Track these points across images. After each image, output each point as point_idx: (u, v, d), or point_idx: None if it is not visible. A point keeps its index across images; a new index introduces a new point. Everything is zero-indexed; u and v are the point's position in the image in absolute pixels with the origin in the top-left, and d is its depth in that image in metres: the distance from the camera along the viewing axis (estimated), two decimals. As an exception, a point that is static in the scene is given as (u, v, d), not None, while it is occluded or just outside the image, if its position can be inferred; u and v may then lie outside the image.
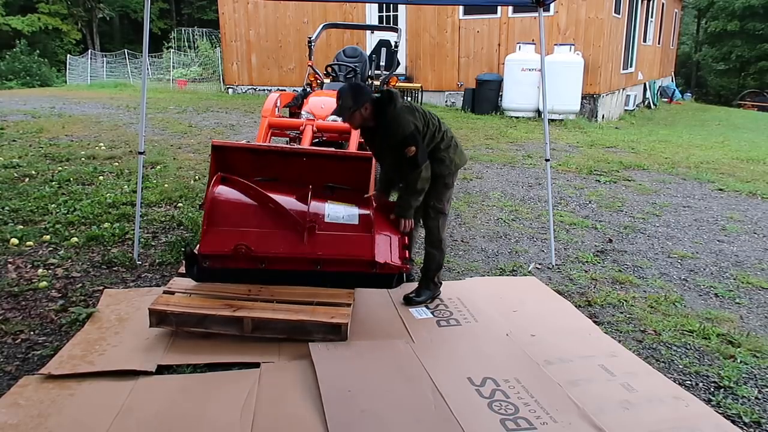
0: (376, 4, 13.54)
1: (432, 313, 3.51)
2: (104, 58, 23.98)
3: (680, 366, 3.04)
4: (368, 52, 7.33)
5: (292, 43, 15.11)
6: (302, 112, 5.64)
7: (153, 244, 4.56)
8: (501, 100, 12.53)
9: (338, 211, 3.38)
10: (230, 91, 16.46)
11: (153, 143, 8.42)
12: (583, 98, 12.14)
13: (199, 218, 5.08)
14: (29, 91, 18.72)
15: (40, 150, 7.76)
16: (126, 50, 23.44)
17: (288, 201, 3.37)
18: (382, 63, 6.89)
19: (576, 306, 3.71)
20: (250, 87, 16.15)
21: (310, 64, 6.74)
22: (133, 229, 4.40)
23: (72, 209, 5.24)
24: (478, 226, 5.27)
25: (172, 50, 22.67)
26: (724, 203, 6.35)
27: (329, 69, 6.74)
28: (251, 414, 2.49)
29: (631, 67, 14.99)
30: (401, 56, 12.88)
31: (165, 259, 4.22)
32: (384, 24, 13.39)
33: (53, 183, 6.08)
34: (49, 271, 3.98)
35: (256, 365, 2.86)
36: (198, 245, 3.29)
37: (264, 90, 15.55)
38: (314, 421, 2.46)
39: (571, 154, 8.69)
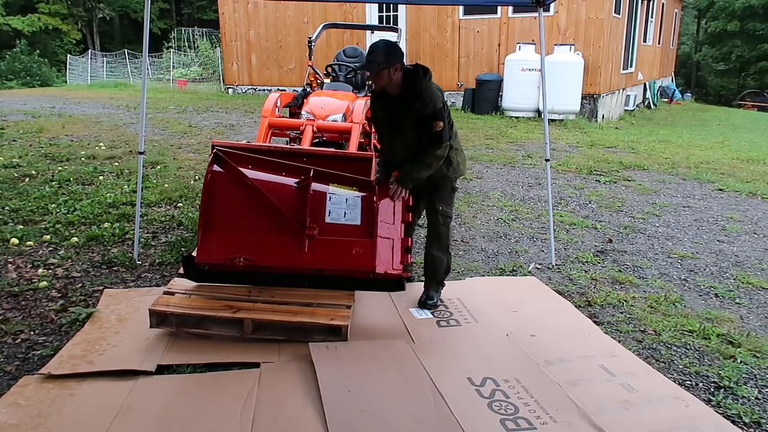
0: (376, 4, 13.54)
1: (432, 313, 3.51)
2: (104, 58, 23.99)
3: (680, 366, 3.04)
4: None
5: (292, 43, 15.11)
6: (302, 112, 5.64)
7: (153, 244, 4.56)
8: (501, 100, 12.53)
9: (340, 205, 3.25)
10: (230, 91, 16.46)
11: (153, 143, 8.42)
12: (583, 98, 12.14)
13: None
14: (29, 91, 18.72)
15: (40, 150, 7.77)
16: (126, 50, 23.45)
17: (287, 194, 3.25)
18: (383, 63, 6.87)
19: (576, 306, 3.71)
20: (250, 87, 16.15)
21: (310, 64, 6.74)
22: (133, 229, 4.40)
23: (72, 209, 5.24)
24: (478, 226, 5.27)
25: (172, 50, 22.68)
26: (724, 203, 6.35)
27: (329, 69, 6.74)
28: (251, 414, 2.49)
29: (631, 67, 14.99)
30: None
31: (165, 259, 4.22)
32: (384, 24, 13.38)
33: (53, 183, 6.09)
34: (49, 271, 3.98)
35: (256, 365, 2.86)
36: (196, 249, 3.26)
37: (264, 90, 15.55)
38: (314, 421, 2.45)
39: (571, 154, 8.69)
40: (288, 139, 5.66)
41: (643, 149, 9.44)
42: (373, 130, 6.11)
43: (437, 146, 3.19)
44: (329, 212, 3.24)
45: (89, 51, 25.15)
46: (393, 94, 3.25)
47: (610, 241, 5.01)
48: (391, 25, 13.01)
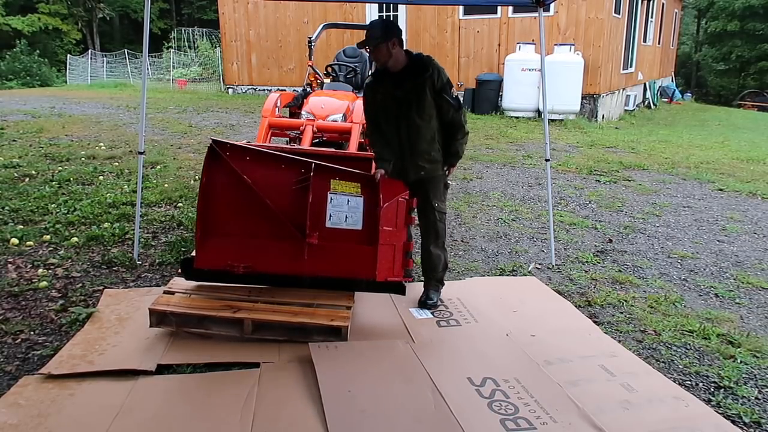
0: (376, 4, 13.53)
1: (432, 313, 3.51)
2: (104, 58, 24.00)
3: (680, 366, 3.04)
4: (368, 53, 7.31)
5: (292, 43, 15.11)
6: (302, 112, 5.64)
7: (153, 244, 4.56)
8: (501, 100, 12.53)
9: (341, 208, 3.18)
10: (230, 91, 16.46)
11: (153, 143, 8.42)
12: (583, 98, 12.14)
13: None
14: (29, 91, 18.72)
15: (40, 150, 7.77)
16: (126, 50, 23.46)
17: (287, 194, 3.18)
18: (383, 63, 6.87)
19: (576, 306, 3.71)
20: (250, 87, 16.15)
21: (310, 64, 6.74)
22: (133, 229, 4.40)
23: (72, 209, 5.24)
24: (478, 226, 5.27)
25: (172, 50, 22.69)
26: (724, 203, 6.35)
27: (329, 69, 6.74)
28: (251, 414, 2.49)
29: (631, 67, 14.99)
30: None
31: (165, 259, 4.22)
32: (384, 24, 13.36)
33: (53, 183, 6.09)
34: (49, 271, 3.98)
35: (256, 365, 2.86)
36: (195, 252, 3.23)
37: (264, 90, 15.55)
38: (314, 421, 2.45)
39: (571, 154, 8.69)
40: (288, 139, 5.66)
41: (643, 149, 9.44)
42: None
43: (457, 111, 3.26)
44: (330, 216, 3.17)
45: (89, 51, 25.15)
46: (395, 70, 3.23)
47: (610, 241, 5.01)
48: (391, 25, 12.98)
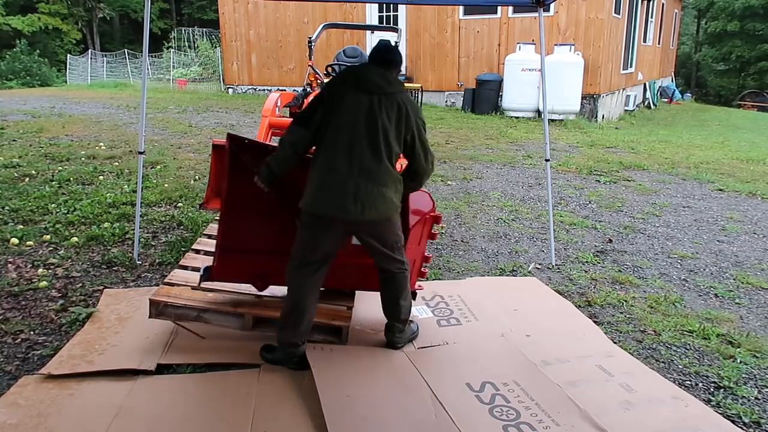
0: (376, 4, 13.54)
1: (433, 312, 3.51)
2: (104, 58, 23.99)
3: (680, 366, 3.04)
4: (368, 52, 7.33)
5: (292, 43, 15.11)
6: (302, 112, 5.64)
7: (153, 244, 4.56)
8: (501, 100, 12.53)
9: None
10: (230, 91, 16.46)
11: (153, 143, 8.42)
12: (583, 98, 12.14)
13: (199, 218, 5.08)
14: (29, 90, 18.72)
15: (40, 150, 7.76)
16: (126, 50, 23.45)
17: None
18: (383, 63, 6.88)
19: (576, 306, 3.71)
20: (250, 87, 16.15)
21: (310, 64, 6.74)
22: (133, 229, 4.40)
23: (72, 209, 5.24)
24: (478, 226, 5.27)
25: (172, 50, 22.68)
26: (724, 203, 6.35)
27: (329, 69, 6.74)
28: (251, 414, 2.49)
29: (631, 67, 14.99)
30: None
31: (165, 259, 4.22)
32: (384, 24, 13.38)
33: (53, 183, 6.08)
34: (49, 271, 3.97)
35: (256, 365, 2.86)
36: (214, 263, 3.05)
37: (264, 90, 15.55)
38: (314, 421, 2.45)
39: (571, 154, 8.69)
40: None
41: (643, 149, 9.44)
42: None
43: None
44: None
45: (89, 51, 25.14)
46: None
47: (610, 241, 5.01)
48: (391, 25, 13.01)
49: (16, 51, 23.98)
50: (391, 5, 13.51)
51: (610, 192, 6.66)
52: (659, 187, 6.97)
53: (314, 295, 2.80)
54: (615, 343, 3.24)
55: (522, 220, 5.48)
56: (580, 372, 2.88)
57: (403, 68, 13.67)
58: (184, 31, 24.36)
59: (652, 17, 16.56)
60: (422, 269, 3.42)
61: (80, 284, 3.80)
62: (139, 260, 4.20)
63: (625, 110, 14.55)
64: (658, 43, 18.17)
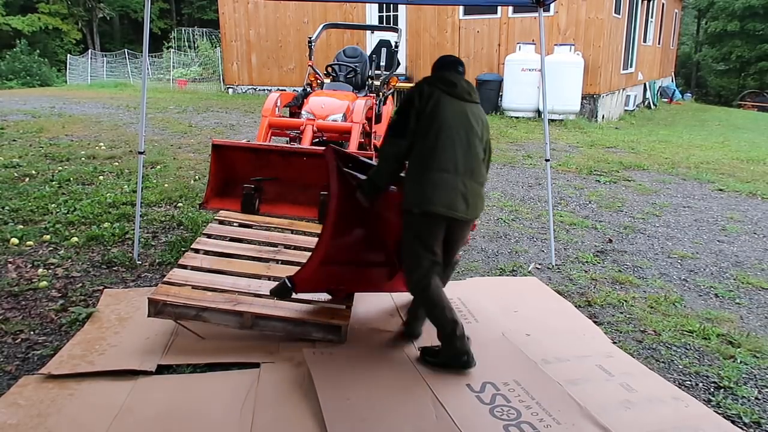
0: (376, 4, 13.54)
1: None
2: (104, 58, 24.00)
3: (680, 366, 3.04)
4: (368, 52, 7.34)
5: (292, 43, 15.11)
6: (302, 112, 5.65)
7: (153, 244, 4.56)
8: (501, 100, 12.53)
9: None
10: (230, 91, 16.46)
11: (153, 143, 8.42)
12: (583, 98, 12.14)
13: (199, 218, 5.08)
14: (29, 90, 18.72)
15: (40, 150, 7.76)
16: (126, 50, 23.46)
17: (390, 220, 3.02)
18: (383, 63, 6.90)
19: (576, 306, 3.71)
20: (250, 87, 16.15)
21: (310, 64, 6.74)
22: (133, 229, 4.40)
23: (72, 209, 5.24)
24: (478, 226, 5.27)
25: (172, 50, 22.69)
26: (724, 203, 6.35)
27: (329, 69, 6.75)
28: (251, 414, 2.49)
29: (631, 67, 14.98)
30: (401, 56, 12.87)
31: (165, 259, 4.22)
32: (384, 24, 13.39)
33: (53, 183, 6.08)
34: (49, 271, 3.97)
35: (256, 365, 2.86)
36: (298, 274, 2.95)
37: (264, 90, 15.55)
38: (314, 421, 2.45)
39: (571, 154, 8.69)
40: (288, 138, 5.66)
41: (643, 149, 9.44)
42: (373, 129, 6.14)
43: (385, 137, 2.85)
44: None
45: (89, 51, 25.15)
46: None
47: (610, 241, 5.01)
48: (391, 25, 13.02)
49: (16, 51, 23.98)
50: (391, 5, 13.50)
51: (610, 192, 6.66)
52: (659, 187, 6.97)
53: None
54: (615, 343, 3.24)
55: (522, 220, 5.48)
56: (580, 371, 2.88)
57: (402, 68, 13.69)
58: (184, 31, 24.36)
59: (652, 17, 16.56)
60: None
61: (80, 284, 3.80)
62: (139, 260, 4.20)
63: (625, 110, 14.55)
64: (658, 43, 18.17)
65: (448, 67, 2.93)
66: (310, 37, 6.77)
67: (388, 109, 6.70)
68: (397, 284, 3.26)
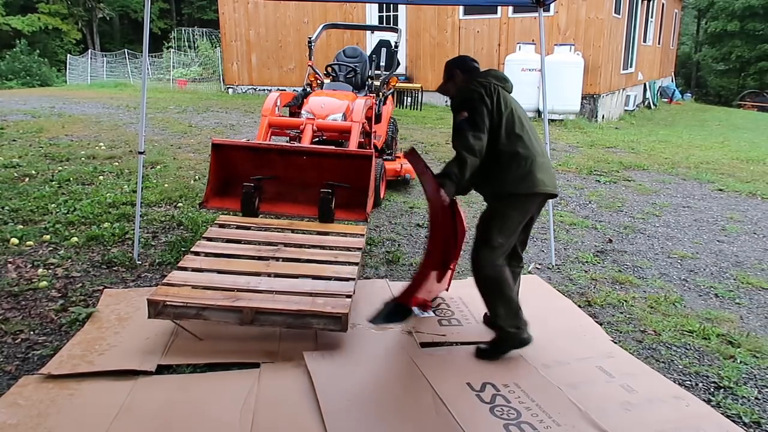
0: (376, 4, 13.54)
1: (434, 311, 3.51)
2: (104, 58, 24.00)
3: (680, 366, 3.04)
4: (368, 52, 7.33)
5: (292, 43, 15.11)
6: (302, 112, 5.65)
7: (153, 244, 4.56)
8: (501, 100, 12.51)
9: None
10: (230, 91, 16.46)
11: (153, 143, 8.42)
12: (583, 98, 12.14)
13: (199, 218, 5.08)
14: (29, 90, 18.72)
15: (40, 150, 7.76)
16: (126, 50, 23.46)
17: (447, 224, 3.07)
18: (382, 63, 6.90)
19: (576, 306, 3.70)
20: (250, 87, 16.15)
21: (310, 64, 6.74)
22: (133, 229, 4.40)
23: (72, 209, 5.24)
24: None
25: (172, 50, 22.70)
26: (724, 203, 6.35)
27: (329, 69, 6.74)
28: (251, 414, 2.49)
29: (631, 67, 14.98)
30: (401, 56, 12.88)
31: (165, 259, 4.22)
32: (384, 24, 13.39)
33: (53, 183, 6.08)
34: (49, 271, 3.97)
35: (256, 365, 2.86)
36: (407, 292, 2.88)
37: (264, 90, 15.55)
38: (314, 421, 2.45)
39: (571, 154, 8.69)
40: (288, 138, 5.66)
41: (643, 149, 9.44)
42: (373, 129, 6.14)
43: (454, 138, 2.85)
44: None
45: (89, 51, 25.15)
46: None
47: (610, 241, 5.00)
48: (391, 25, 13.01)
49: (16, 51, 23.98)
50: (391, 5, 13.50)
51: (610, 192, 6.66)
52: (659, 187, 6.97)
53: None
54: (615, 343, 3.24)
55: (522, 220, 5.47)
56: (580, 374, 2.88)
57: (402, 68, 13.69)
58: (184, 31, 24.37)
59: (652, 17, 16.56)
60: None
61: (80, 284, 3.80)
62: (139, 260, 4.20)
63: (625, 110, 14.55)
64: (658, 43, 18.17)
65: (472, 67, 3.10)
66: (310, 37, 6.77)
67: (388, 109, 6.70)
68: (443, 285, 3.52)
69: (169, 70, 21.07)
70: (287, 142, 5.56)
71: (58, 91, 17.78)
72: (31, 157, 7.31)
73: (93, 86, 19.90)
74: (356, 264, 3.59)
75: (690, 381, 2.91)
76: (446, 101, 13.67)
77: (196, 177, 6.59)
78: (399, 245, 4.70)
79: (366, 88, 6.58)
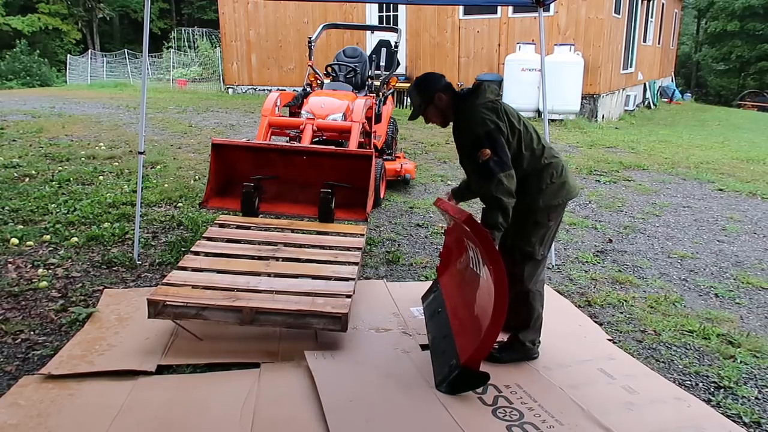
0: (376, 4, 13.54)
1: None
2: (104, 58, 24.02)
3: (680, 366, 3.04)
4: (368, 52, 7.34)
5: (292, 43, 15.11)
6: (302, 112, 5.65)
7: (153, 244, 4.56)
8: (501, 100, 12.51)
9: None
10: (230, 91, 16.46)
11: (153, 143, 8.42)
12: (583, 98, 12.14)
13: (199, 218, 5.08)
14: (29, 91, 18.72)
15: (40, 150, 7.76)
16: (126, 50, 23.47)
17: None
18: (382, 63, 6.90)
19: (576, 306, 3.70)
20: (250, 87, 16.15)
21: (310, 64, 6.75)
22: (133, 229, 4.40)
23: (72, 209, 5.24)
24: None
25: (172, 50, 22.71)
26: (724, 203, 6.35)
27: (329, 69, 6.75)
28: (251, 414, 2.48)
29: (631, 67, 14.98)
30: (401, 56, 12.88)
31: (165, 259, 4.22)
32: (384, 24, 13.39)
33: (53, 183, 6.08)
34: (49, 271, 3.97)
35: (256, 365, 2.86)
36: (470, 358, 2.62)
37: (264, 90, 15.55)
38: (314, 421, 2.45)
39: (571, 154, 8.69)
40: (288, 138, 5.66)
41: (643, 149, 9.44)
42: (373, 129, 6.14)
43: (487, 180, 2.62)
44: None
45: (89, 51, 25.17)
46: (452, 120, 2.92)
47: (610, 241, 5.00)
48: (391, 25, 13.01)
49: (16, 51, 23.99)
50: (391, 5, 13.50)
51: (610, 192, 6.66)
52: (659, 187, 6.97)
53: None
54: (615, 343, 3.24)
55: (522, 220, 5.47)
56: (582, 376, 2.87)
57: (402, 68, 13.69)
58: (184, 31, 24.38)
59: (652, 17, 16.56)
60: None
61: (80, 284, 3.80)
62: (139, 260, 4.20)
63: (625, 110, 14.55)
64: (658, 43, 18.17)
65: (449, 84, 2.90)
66: (310, 38, 6.77)
67: (388, 109, 6.70)
68: None
69: (169, 70, 21.08)
70: (287, 142, 5.56)
71: (58, 91, 17.78)
72: (31, 157, 7.31)
73: (93, 86, 19.90)
74: (356, 264, 3.59)
75: (690, 381, 2.90)
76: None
77: (196, 177, 6.59)
78: (399, 245, 4.71)
79: (366, 88, 6.59)
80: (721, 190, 6.92)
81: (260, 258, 3.62)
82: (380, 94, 6.48)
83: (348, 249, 3.87)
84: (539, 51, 4.84)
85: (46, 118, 10.79)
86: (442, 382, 2.69)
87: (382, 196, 5.81)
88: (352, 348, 3.06)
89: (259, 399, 2.59)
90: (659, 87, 18.42)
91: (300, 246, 3.86)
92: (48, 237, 4.55)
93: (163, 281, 3.22)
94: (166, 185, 6.16)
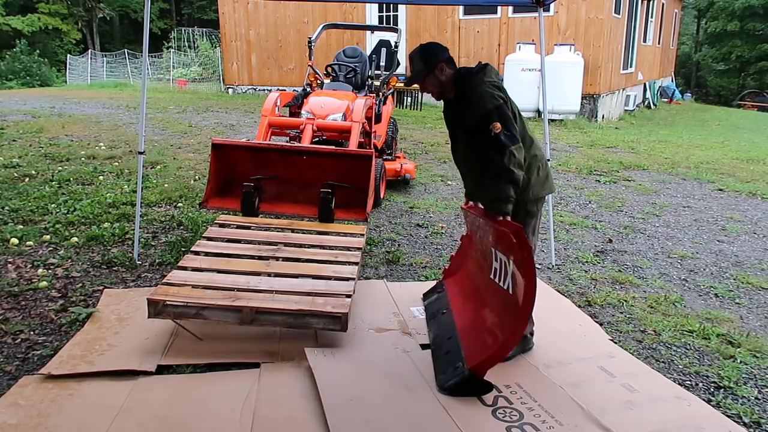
0: (376, 4, 13.54)
1: (432, 313, 3.50)
2: (104, 58, 24.02)
3: (680, 366, 3.04)
4: (368, 52, 7.34)
5: (292, 43, 15.11)
6: (302, 112, 5.65)
7: (153, 244, 4.56)
8: (501, 100, 12.51)
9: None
10: (230, 91, 16.46)
11: (153, 143, 8.42)
12: (583, 98, 12.14)
13: (199, 218, 5.08)
14: (29, 91, 18.72)
15: (40, 150, 7.76)
16: (126, 50, 23.47)
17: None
18: (382, 63, 6.90)
19: (576, 306, 3.70)
20: (250, 87, 16.15)
21: (310, 64, 6.75)
22: (133, 229, 4.40)
23: (72, 209, 5.24)
24: (478, 226, 5.27)
25: (172, 50, 22.71)
26: (724, 203, 6.35)
27: (329, 69, 6.75)
28: (251, 414, 2.48)
29: (631, 67, 14.99)
30: (401, 56, 12.84)
31: (165, 259, 4.22)
32: (384, 24, 13.39)
33: (53, 183, 6.08)
34: (49, 271, 3.97)
35: (256, 365, 2.86)
36: (478, 365, 2.62)
37: (264, 90, 15.55)
38: (314, 421, 2.45)
39: (571, 154, 8.69)
40: (288, 138, 5.66)
41: (643, 149, 9.44)
42: (373, 129, 6.14)
43: (500, 152, 2.63)
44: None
45: (89, 51, 25.17)
46: (450, 97, 2.90)
47: (610, 241, 5.00)
48: (391, 25, 13.01)
49: (16, 51, 23.99)
50: (391, 5, 13.50)
51: (610, 192, 6.66)
52: (659, 187, 6.97)
53: None
54: (615, 343, 3.24)
55: (522, 220, 5.47)
56: (581, 374, 2.87)
57: (402, 68, 13.67)
58: (184, 31, 24.38)
59: (652, 17, 16.56)
60: None
61: (80, 284, 3.80)
62: (139, 260, 4.20)
63: (625, 110, 14.55)
64: (658, 43, 18.17)
65: (451, 57, 2.88)
66: (310, 38, 6.77)
67: (388, 109, 6.70)
68: None
69: (169, 70, 21.08)
70: (287, 142, 5.56)
71: (58, 91, 17.78)
72: (31, 157, 7.31)
73: (93, 86, 19.90)
74: (356, 264, 3.59)
75: (690, 381, 2.90)
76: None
77: (196, 177, 6.59)
78: (399, 245, 4.71)
79: (366, 88, 6.59)
80: (721, 190, 6.92)
81: (260, 258, 3.62)
82: (380, 94, 6.48)
83: (348, 249, 3.87)
84: (539, 51, 4.84)
85: (46, 118, 10.79)
86: (445, 382, 2.69)
87: (382, 196, 5.81)
88: (352, 348, 3.06)
89: (259, 399, 2.59)
90: (659, 87, 18.43)
91: (300, 246, 3.86)
92: (48, 237, 4.55)
93: (163, 281, 3.22)
94: (166, 185, 6.17)
